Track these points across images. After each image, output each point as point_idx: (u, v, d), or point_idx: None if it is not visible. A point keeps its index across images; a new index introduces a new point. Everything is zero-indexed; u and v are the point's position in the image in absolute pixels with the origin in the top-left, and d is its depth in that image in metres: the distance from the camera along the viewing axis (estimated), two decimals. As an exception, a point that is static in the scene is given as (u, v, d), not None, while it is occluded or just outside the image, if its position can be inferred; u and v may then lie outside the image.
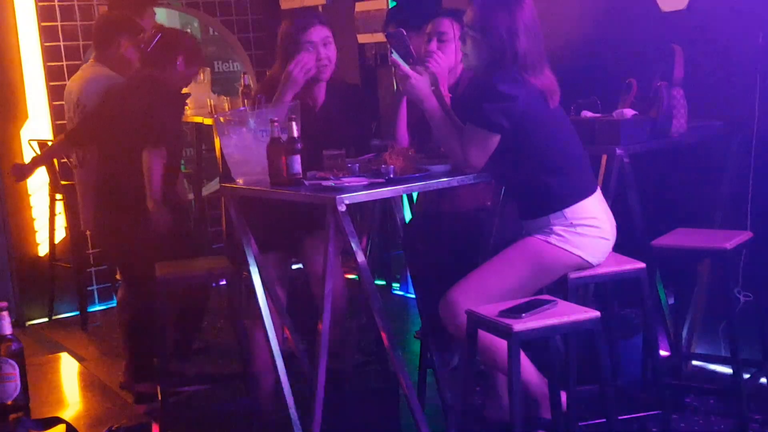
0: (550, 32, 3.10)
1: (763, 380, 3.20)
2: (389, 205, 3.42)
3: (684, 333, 3.51)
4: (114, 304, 5.28)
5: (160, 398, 3.21)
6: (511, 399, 2.43)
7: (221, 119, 3.07)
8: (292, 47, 3.33)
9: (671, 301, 3.52)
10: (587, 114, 3.41)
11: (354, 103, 3.45)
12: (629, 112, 3.30)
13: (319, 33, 3.34)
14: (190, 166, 5.77)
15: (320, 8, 5.10)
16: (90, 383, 2.20)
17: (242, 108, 3.10)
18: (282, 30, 3.42)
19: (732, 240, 3.07)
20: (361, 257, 2.76)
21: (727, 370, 3.40)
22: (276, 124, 2.84)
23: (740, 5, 3.33)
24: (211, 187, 5.73)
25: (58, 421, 1.70)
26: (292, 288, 3.58)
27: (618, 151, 3.15)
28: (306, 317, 3.56)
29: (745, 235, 3.15)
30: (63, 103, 5.08)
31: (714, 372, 3.57)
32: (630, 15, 3.68)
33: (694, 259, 3.43)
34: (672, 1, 3.41)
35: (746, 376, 3.10)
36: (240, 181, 3.03)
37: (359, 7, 5.02)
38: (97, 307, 5.27)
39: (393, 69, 3.00)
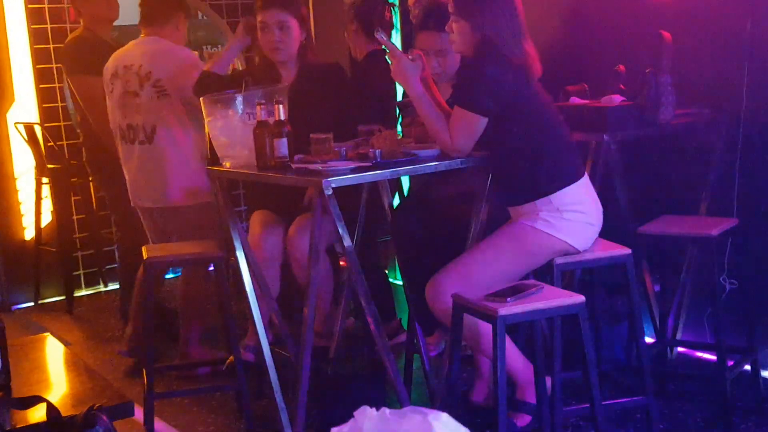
0: (540, 19, 3.10)
1: (747, 367, 3.22)
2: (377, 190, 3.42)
3: (669, 320, 3.52)
4: (101, 289, 5.30)
5: (146, 383, 3.21)
6: (496, 383, 2.44)
7: (208, 100, 3.05)
8: (254, 24, 3.37)
9: (657, 287, 3.53)
10: (576, 100, 3.41)
11: (333, 84, 3.44)
12: (617, 99, 3.31)
13: (274, 16, 3.34)
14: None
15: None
16: (73, 364, 2.19)
17: (230, 91, 3.10)
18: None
19: (718, 227, 3.08)
20: (347, 242, 2.76)
21: (711, 356, 3.42)
22: (263, 107, 2.83)
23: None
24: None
25: (38, 400, 1.69)
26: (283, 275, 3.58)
27: (605, 137, 3.16)
28: (295, 302, 3.57)
29: (730, 222, 3.16)
30: (56, 85, 5.02)
31: (699, 359, 3.59)
32: (620, 2, 3.68)
33: (680, 245, 3.45)
34: (661, -12, 3.41)
35: (730, 363, 3.11)
36: (227, 164, 3.01)
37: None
38: (84, 292, 5.25)
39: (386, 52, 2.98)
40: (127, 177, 3.84)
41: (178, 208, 3.71)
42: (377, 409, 1.07)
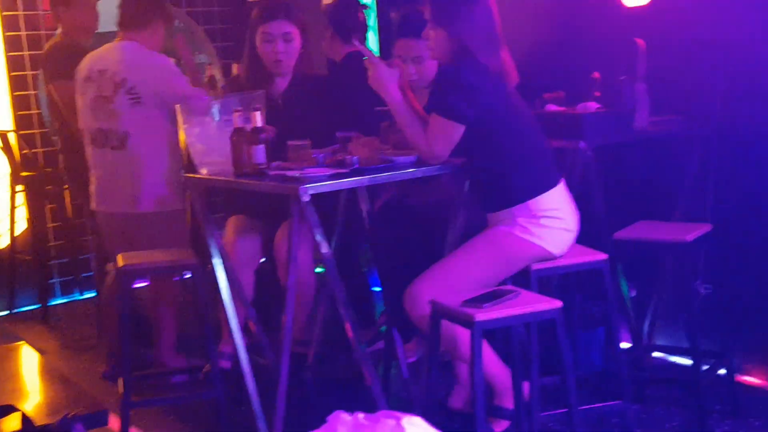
0: (516, 27, 3.12)
1: (722, 371, 3.25)
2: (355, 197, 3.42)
3: (645, 325, 3.54)
4: (76, 297, 5.26)
5: (122, 390, 3.18)
6: (474, 388, 2.44)
7: (184, 108, 3.03)
8: (252, 35, 3.35)
9: (633, 293, 3.55)
10: (552, 108, 3.43)
11: (320, 95, 3.46)
12: (593, 106, 3.33)
13: (280, 27, 3.34)
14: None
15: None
16: (48, 373, 2.18)
17: (206, 98, 3.09)
18: (250, 20, 3.43)
19: (692, 233, 3.11)
20: (325, 248, 2.75)
21: (687, 361, 3.45)
22: (239, 113, 2.82)
23: (703, 1, 3.37)
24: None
25: (12, 409, 1.67)
26: (258, 280, 3.57)
27: (581, 144, 3.18)
28: (273, 308, 3.55)
29: (704, 228, 3.19)
30: (31, 92, 4.98)
31: (675, 363, 3.62)
32: (595, 10, 3.71)
33: (656, 251, 3.47)
34: (636, -4, 3.45)
35: (706, 367, 3.14)
36: (204, 171, 3.00)
37: (325, 2, 4.99)
38: (59, 300, 5.20)
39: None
40: (93, 180, 3.80)
41: (146, 215, 3.69)
42: (351, 414, 1.07)
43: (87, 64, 3.75)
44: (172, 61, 3.78)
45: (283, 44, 3.34)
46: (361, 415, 1.05)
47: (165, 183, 3.67)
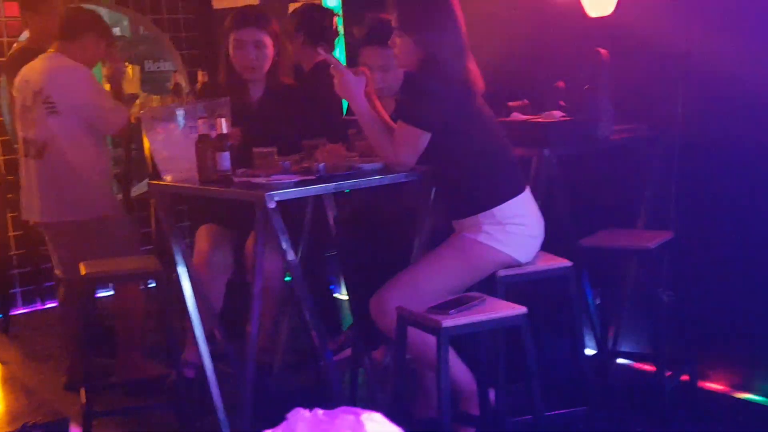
0: (482, 36, 3.14)
1: (685, 378, 3.28)
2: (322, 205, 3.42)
3: (610, 331, 3.57)
4: (38, 307, 5.17)
5: (85, 401, 3.13)
6: (440, 395, 2.44)
7: (148, 115, 3.01)
8: (226, 43, 3.36)
9: (598, 300, 3.59)
10: (517, 116, 3.46)
11: (290, 103, 3.46)
12: (557, 115, 3.37)
13: (251, 34, 3.35)
14: (118, 167, 5.64)
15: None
16: (9, 382, 2.14)
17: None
18: (224, 28, 3.44)
19: (655, 240, 3.15)
20: (291, 255, 2.74)
21: (651, 368, 3.48)
22: (204, 120, 2.81)
23: (664, 12, 3.42)
24: (140, 188, 5.63)
25: (-29, 418, 1.64)
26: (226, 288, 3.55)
27: (546, 152, 3.21)
28: (239, 316, 3.53)
29: (667, 235, 3.23)
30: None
31: (639, 370, 3.65)
32: (559, 20, 3.75)
33: (619, 258, 3.51)
34: (598, 7, 3.49)
35: (669, 373, 3.17)
36: (168, 178, 2.98)
37: (293, 7, 4.99)
38: (21, 310, 5.11)
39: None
40: (21, 190, 3.83)
41: (66, 224, 3.68)
42: (311, 411, 1.07)
43: (19, 76, 3.79)
44: (91, 72, 3.79)
45: (255, 51, 3.36)
46: (320, 412, 1.05)
47: (88, 192, 3.69)
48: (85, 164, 3.69)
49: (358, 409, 1.06)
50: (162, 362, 3.78)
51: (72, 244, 3.69)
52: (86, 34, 3.73)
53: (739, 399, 3.35)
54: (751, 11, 3.18)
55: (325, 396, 3.16)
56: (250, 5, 4.87)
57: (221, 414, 2.99)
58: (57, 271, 3.87)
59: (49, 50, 3.76)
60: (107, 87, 3.93)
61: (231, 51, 3.40)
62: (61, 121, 3.64)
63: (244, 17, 3.40)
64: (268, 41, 3.39)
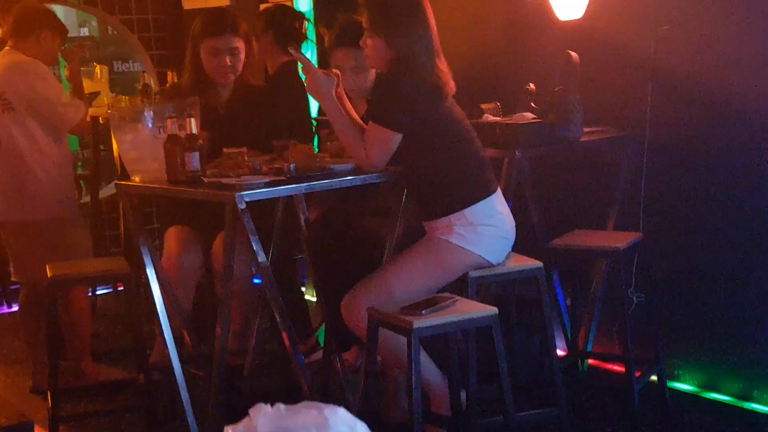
0: (454, 38, 3.15)
1: (654, 378, 3.31)
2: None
3: (580, 332, 3.59)
4: (4, 310, 5.09)
5: (51, 405, 3.09)
6: (411, 396, 2.44)
7: (117, 115, 2.98)
8: (198, 49, 3.33)
9: (568, 301, 3.60)
10: (489, 118, 3.47)
11: (258, 104, 3.44)
12: (528, 117, 3.38)
13: (228, 41, 3.34)
14: (86, 168, 5.59)
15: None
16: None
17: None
18: (192, 30, 3.40)
19: (624, 241, 3.17)
20: (261, 257, 2.72)
21: (621, 368, 3.50)
22: (173, 120, 2.78)
23: (633, 16, 3.45)
24: (109, 189, 5.57)
25: (-67, 422, 1.61)
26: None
27: (517, 153, 3.22)
28: (208, 319, 3.50)
29: (636, 236, 3.26)
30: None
31: (609, 370, 3.68)
32: (530, 24, 3.77)
33: (590, 259, 3.53)
34: (568, 11, 3.51)
35: (638, 374, 3.20)
36: (136, 178, 2.95)
37: (263, 8, 4.97)
38: (-15, 313, 5.04)
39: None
40: None
41: (19, 223, 3.65)
42: (273, 406, 1.06)
43: None
44: (48, 69, 3.76)
45: (230, 58, 3.35)
46: (282, 407, 1.04)
47: (44, 191, 3.65)
48: (42, 163, 3.66)
49: (321, 404, 1.06)
50: (130, 365, 3.74)
51: (26, 245, 3.64)
52: (40, 30, 3.71)
53: (707, 399, 3.38)
54: (717, 16, 3.22)
55: (297, 398, 3.14)
56: (220, 7, 4.85)
57: (190, 417, 2.96)
58: (13, 276, 3.81)
59: (5, 48, 3.74)
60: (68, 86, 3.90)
61: (205, 57, 3.36)
62: (15, 118, 3.62)
63: (219, 24, 3.35)
64: (241, 46, 3.38)
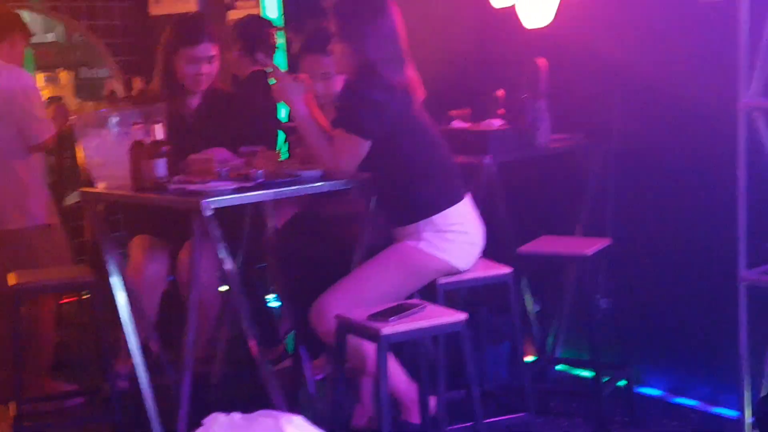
0: (423, 44, 3.15)
1: (622, 383, 3.32)
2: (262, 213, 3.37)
3: (549, 338, 3.60)
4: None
5: (14, 414, 3.03)
6: (380, 403, 2.42)
7: (81, 121, 2.94)
8: (172, 57, 3.30)
9: (537, 307, 3.61)
10: (458, 124, 3.48)
11: (227, 111, 3.42)
12: (496, 123, 3.39)
13: (205, 50, 3.33)
14: (51, 176, 5.49)
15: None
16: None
17: (103, 110, 3.02)
18: (164, 37, 3.36)
19: (593, 247, 3.19)
20: (229, 264, 2.70)
21: (589, 373, 3.51)
22: (139, 126, 2.75)
23: (601, 24, 3.47)
24: (73, 197, 5.49)
25: None
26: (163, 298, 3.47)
27: (486, 160, 3.23)
28: (174, 327, 3.46)
29: (604, 242, 3.28)
30: None
31: (577, 376, 3.69)
32: (498, 31, 3.78)
33: (558, 265, 3.54)
34: (534, 19, 3.52)
35: (606, 379, 3.21)
36: (101, 185, 2.91)
37: (232, 15, 4.94)
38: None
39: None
40: None
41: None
42: (228, 415, 1.04)
43: None
44: (28, 74, 3.74)
45: (207, 66, 3.33)
46: (237, 416, 1.02)
47: (16, 198, 3.58)
48: (14, 169, 3.59)
49: (277, 412, 1.04)
50: (95, 374, 3.68)
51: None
52: (12, 33, 3.68)
53: (675, 403, 3.40)
54: (686, 24, 3.25)
55: (264, 406, 3.10)
56: (193, 14, 4.82)
57: (156, 426, 2.92)
58: None
59: None
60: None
61: (181, 65, 3.32)
62: None
63: (196, 33, 3.32)
64: (217, 53, 3.39)
